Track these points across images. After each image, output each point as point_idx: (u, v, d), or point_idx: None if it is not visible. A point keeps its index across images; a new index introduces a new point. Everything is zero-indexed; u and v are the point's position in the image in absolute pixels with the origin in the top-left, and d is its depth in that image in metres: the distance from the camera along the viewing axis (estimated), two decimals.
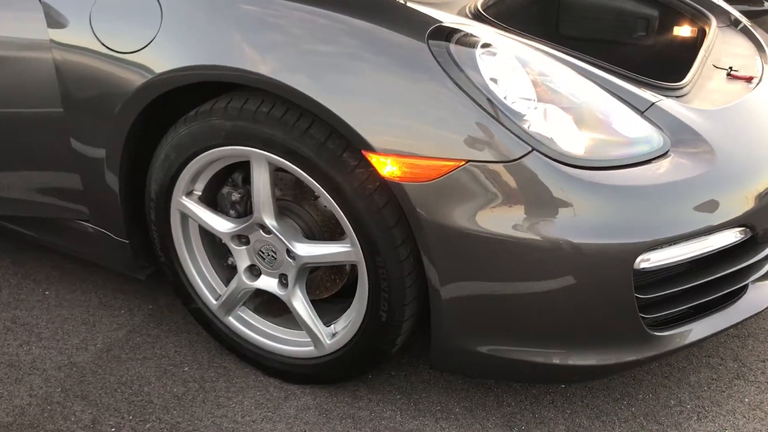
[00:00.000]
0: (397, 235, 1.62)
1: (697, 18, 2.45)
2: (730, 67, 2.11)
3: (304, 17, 1.61)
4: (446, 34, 1.58)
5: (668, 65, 2.20)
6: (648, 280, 1.61)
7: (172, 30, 1.70)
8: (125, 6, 1.77)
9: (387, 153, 1.53)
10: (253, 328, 1.97)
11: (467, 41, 1.58)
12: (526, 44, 1.74)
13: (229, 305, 1.96)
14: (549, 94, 1.61)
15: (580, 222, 1.50)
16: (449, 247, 1.55)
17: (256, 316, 1.99)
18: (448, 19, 1.67)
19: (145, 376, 2.02)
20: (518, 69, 1.60)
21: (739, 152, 1.70)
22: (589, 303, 1.58)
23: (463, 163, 1.50)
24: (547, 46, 1.85)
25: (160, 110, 1.81)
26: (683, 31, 2.45)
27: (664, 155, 1.63)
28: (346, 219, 1.65)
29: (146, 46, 1.72)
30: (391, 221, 1.61)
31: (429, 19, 1.62)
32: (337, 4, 1.62)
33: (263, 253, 1.85)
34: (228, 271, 2.00)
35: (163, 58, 1.71)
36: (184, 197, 1.87)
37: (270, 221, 1.77)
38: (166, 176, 1.84)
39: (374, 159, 1.55)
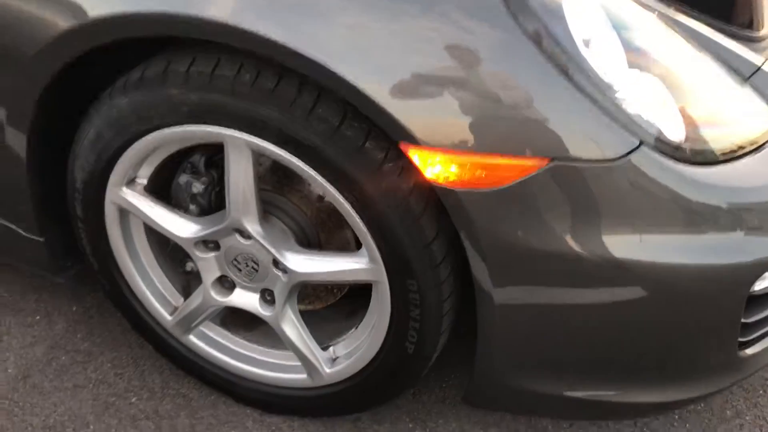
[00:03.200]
0: (437, 251, 1.20)
1: None
2: None
3: None
4: None
5: None
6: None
7: None
8: None
9: (436, 147, 1.08)
10: (222, 347, 1.52)
11: None
12: None
13: (189, 322, 1.50)
14: (640, 57, 1.19)
15: (694, 238, 1.13)
16: (517, 275, 1.15)
17: (225, 332, 1.53)
18: None
19: (80, 414, 1.55)
20: (607, 25, 1.16)
21: None
22: (682, 336, 1.23)
23: (547, 162, 1.07)
24: None
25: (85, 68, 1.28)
26: None
27: None
28: (367, 231, 1.20)
29: None
30: (430, 234, 1.18)
31: None
32: None
33: (239, 262, 1.38)
34: (185, 277, 1.53)
35: None
36: (124, 188, 1.36)
37: (253, 226, 1.30)
38: (98, 161, 1.32)
39: (417, 155, 1.09)
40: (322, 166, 1.16)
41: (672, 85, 1.19)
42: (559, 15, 1.08)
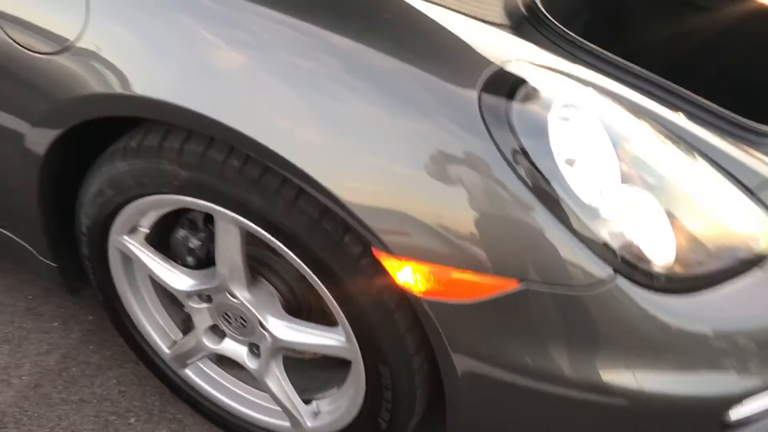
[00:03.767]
0: (410, 342, 1.21)
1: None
2: None
3: (289, 33, 1.11)
4: (509, 84, 1.08)
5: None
6: None
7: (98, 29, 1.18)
8: None
9: (407, 257, 1.09)
10: (216, 384, 1.59)
11: (538, 97, 1.09)
12: (607, 90, 1.24)
13: (185, 359, 1.56)
14: (635, 171, 1.15)
15: (664, 372, 1.11)
16: (481, 387, 1.16)
17: (219, 369, 1.60)
18: (511, 51, 1.17)
19: (81, 429, 1.64)
20: (604, 138, 1.12)
21: None
22: None
23: (516, 284, 1.06)
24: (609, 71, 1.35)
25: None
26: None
27: None
28: (343, 316, 1.22)
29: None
30: (404, 327, 1.20)
31: (485, 57, 1.12)
32: (360, 29, 1.11)
33: (229, 316, 1.43)
34: (186, 314, 1.58)
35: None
36: (125, 236, 1.41)
37: (240, 292, 1.34)
38: (99, 213, 1.37)
39: (389, 263, 1.10)
40: (302, 253, 1.19)
41: (667, 201, 1.16)
42: (541, 132, 1.06)
